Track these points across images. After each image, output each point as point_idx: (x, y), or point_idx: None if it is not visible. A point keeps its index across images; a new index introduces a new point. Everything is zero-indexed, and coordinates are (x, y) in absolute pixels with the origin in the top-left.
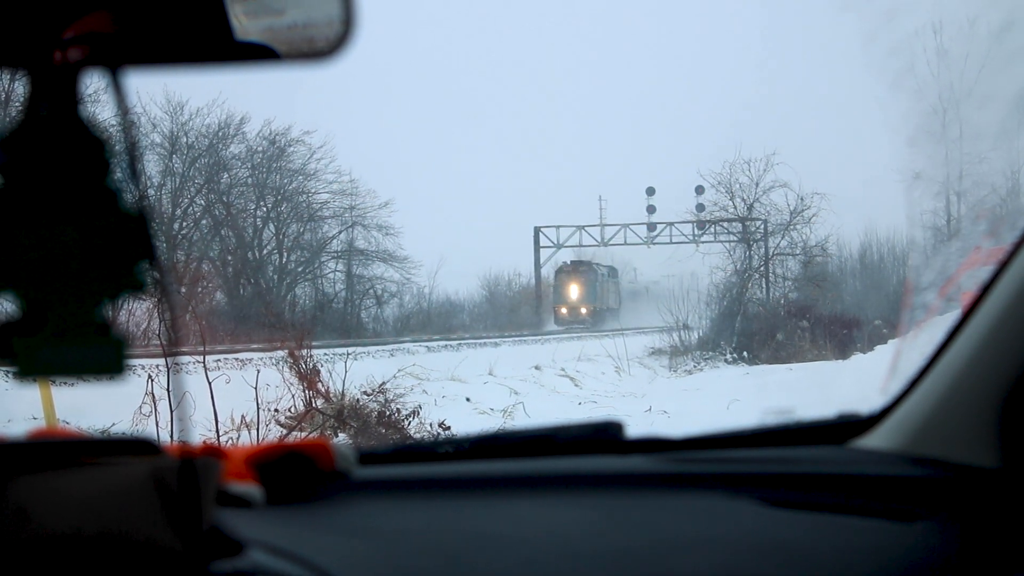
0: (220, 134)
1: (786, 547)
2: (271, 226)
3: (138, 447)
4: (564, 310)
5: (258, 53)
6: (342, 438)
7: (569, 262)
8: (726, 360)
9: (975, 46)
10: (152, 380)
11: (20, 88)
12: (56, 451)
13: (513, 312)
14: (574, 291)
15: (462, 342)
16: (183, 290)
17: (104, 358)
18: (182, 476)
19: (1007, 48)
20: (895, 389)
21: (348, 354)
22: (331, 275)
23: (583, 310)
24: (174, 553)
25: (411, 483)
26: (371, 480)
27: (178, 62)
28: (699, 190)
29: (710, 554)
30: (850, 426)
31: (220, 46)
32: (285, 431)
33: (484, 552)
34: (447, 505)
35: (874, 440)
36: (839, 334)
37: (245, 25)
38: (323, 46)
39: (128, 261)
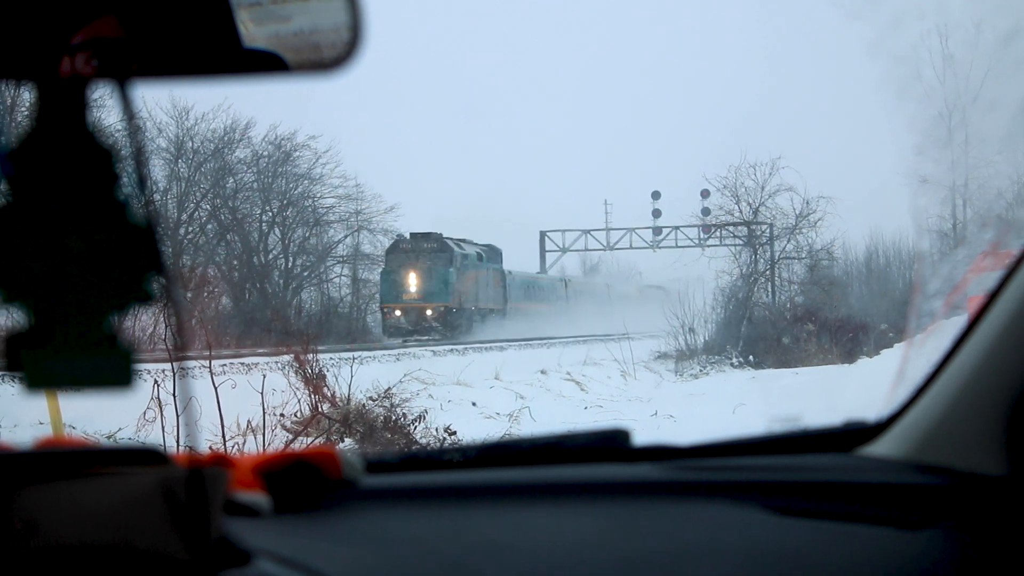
0: (226, 139)
1: (793, 555)
2: (277, 231)
3: (146, 457)
4: (398, 312)
5: (266, 62)
6: (348, 443)
7: (408, 235)
8: (732, 364)
9: (981, 51)
10: (158, 385)
11: (28, 97)
12: (64, 461)
13: None
14: (413, 281)
15: (468, 346)
16: (189, 295)
17: (112, 370)
18: (190, 486)
19: (1013, 53)
20: (902, 396)
21: (354, 359)
22: (337, 279)
23: (428, 311)
24: (182, 563)
25: (418, 491)
26: (378, 488)
27: (185, 72)
28: (705, 194)
29: (717, 562)
30: (857, 433)
31: (227, 55)
32: (291, 436)
33: (491, 560)
34: (454, 513)
35: (881, 447)
36: (845, 339)
37: (252, 32)
38: (330, 53)
39: (136, 272)
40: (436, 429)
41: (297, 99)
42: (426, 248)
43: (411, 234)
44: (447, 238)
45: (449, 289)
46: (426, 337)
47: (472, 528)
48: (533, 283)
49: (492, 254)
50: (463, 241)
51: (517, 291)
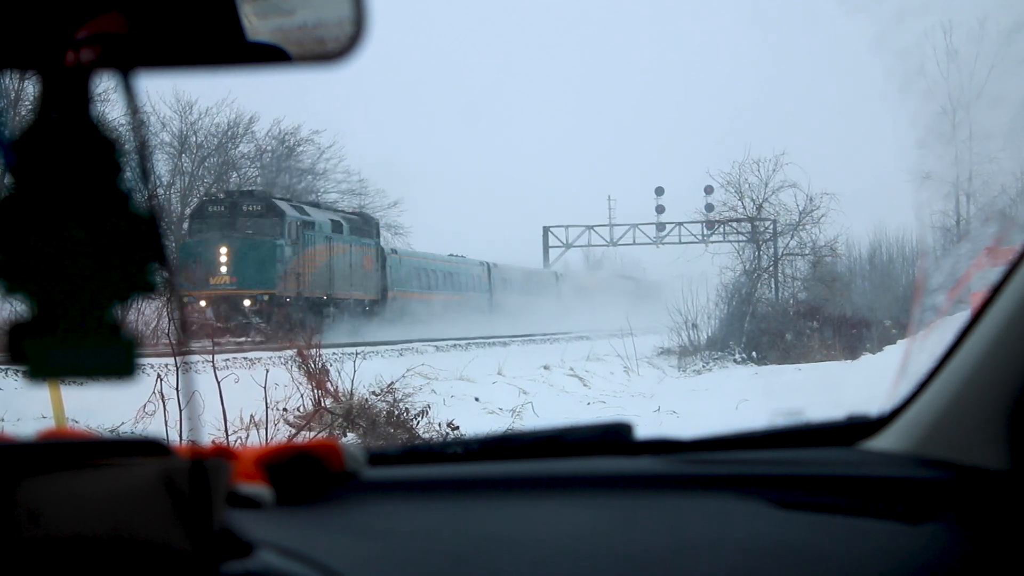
0: (229, 133)
1: (795, 549)
2: None
3: (148, 448)
4: (202, 302)
5: (269, 55)
6: (351, 438)
7: (222, 194)
8: (735, 360)
9: (985, 47)
10: (161, 379)
11: (32, 89)
12: (66, 452)
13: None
14: (223, 258)
15: (471, 342)
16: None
17: (115, 360)
18: (192, 477)
19: (1017, 49)
20: (904, 390)
21: (357, 353)
22: None
23: (246, 302)
24: (184, 554)
25: (420, 484)
26: (380, 481)
27: (190, 64)
28: (708, 190)
29: (719, 556)
30: (859, 427)
31: (231, 47)
32: (294, 431)
33: (493, 553)
34: (456, 506)
35: (884, 442)
36: (848, 334)
37: (256, 25)
38: (334, 47)
39: (139, 263)
40: (439, 424)
41: (301, 94)
42: (245, 212)
43: (225, 192)
44: (279, 198)
45: (277, 270)
46: (243, 339)
47: (474, 520)
48: (434, 267)
49: (360, 225)
50: (309, 205)
51: (406, 277)
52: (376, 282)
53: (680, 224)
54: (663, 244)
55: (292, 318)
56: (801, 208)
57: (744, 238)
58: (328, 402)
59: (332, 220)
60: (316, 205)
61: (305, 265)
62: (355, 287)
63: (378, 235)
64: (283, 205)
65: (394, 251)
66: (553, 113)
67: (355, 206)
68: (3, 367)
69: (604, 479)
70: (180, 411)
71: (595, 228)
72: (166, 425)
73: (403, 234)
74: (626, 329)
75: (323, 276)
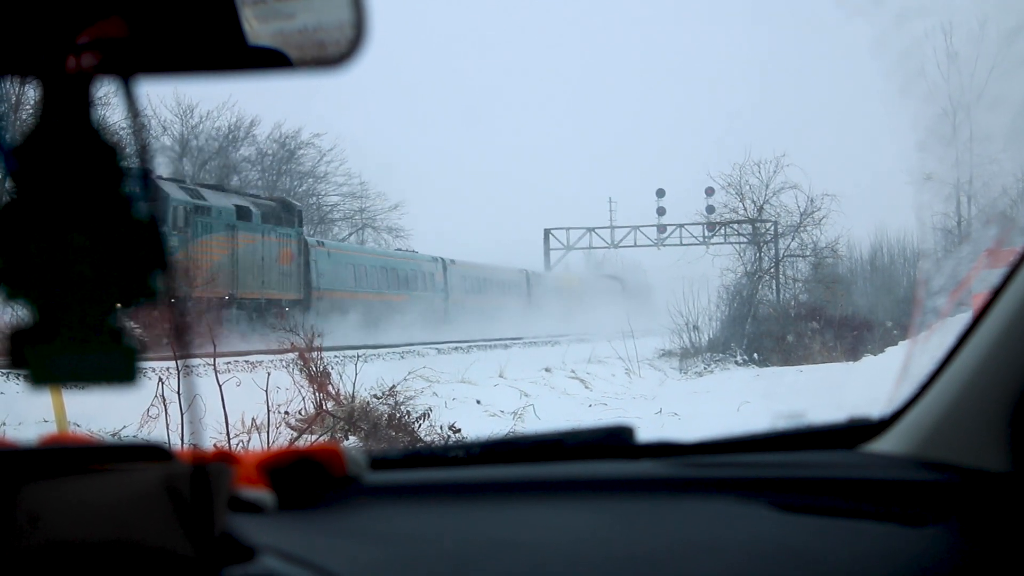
0: (230, 137)
1: (797, 551)
2: None
3: (150, 453)
4: None
5: (270, 60)
6: (352, 441)
7: None
8: (736, 362)
9: (985, 49)
10: (163, 383)
11: (32, 94)
12: (68, 457)
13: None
14: None
15: (472, 344)
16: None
17: (116, 366)
18: (194, 482)
19: (1017, 50)
20: (906, 393)
21: (358, 356)
22: None
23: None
24: (186, 559)
25: (422, 488)
26: (382, 485)
27: (190, 69)
28: (709, 192)
29: (721, 559)
30: (861, 430)
31: (232, 52)
32: (296, 434)
33: (495, 557)
34: (458, 510)
35: (885, 444)
36: (849, 336)
37: (256, 29)
38: (334, 51)
39: (141, 268)
40: (440, 427)
41: (301, 97)
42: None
43: None
44: (164, 178)
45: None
46: None
47: (476, 524)
48: (372, 262)
49: (276, 213)
50: (209, 187)
51: (336, 274)
52: (297, 280)
53: (681, 226)
54: (664, 246)
55: (178, 323)
56: (802, 209)
57: (745, 240)
58: (330, 405)
59: (237, 206)
60: (220, 188)
61: (198, 258)
62: (268, 285)
63: (301, 224)
64: (167, 186)
65: (321, 243)
66: (553, 114)
67: (355, 209)
68: (5, 371)
69: (606, 482)
70: (182, 415)
71: (596, 230)
72: (167, 429)
73: (404, 237)
74: (615, 333)
75: (224, 272)
